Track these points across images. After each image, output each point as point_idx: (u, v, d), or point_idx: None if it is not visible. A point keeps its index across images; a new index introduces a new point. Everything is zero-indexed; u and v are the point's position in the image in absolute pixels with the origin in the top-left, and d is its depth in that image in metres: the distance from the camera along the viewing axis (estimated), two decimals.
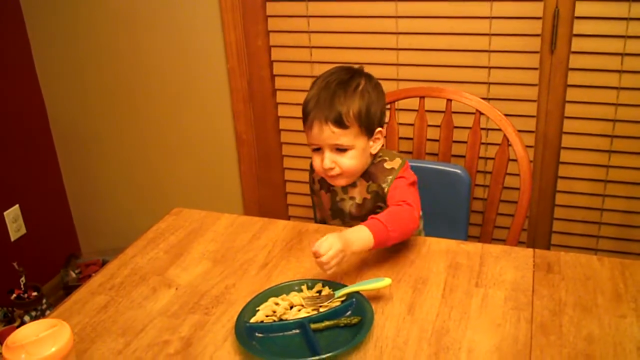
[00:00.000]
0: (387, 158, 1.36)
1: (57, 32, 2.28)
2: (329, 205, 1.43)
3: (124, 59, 2.24)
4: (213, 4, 2.04)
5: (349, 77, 1.31)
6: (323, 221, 1.49)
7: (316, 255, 1.10)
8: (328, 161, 1.30)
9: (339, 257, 1.11)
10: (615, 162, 1.82)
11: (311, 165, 1.43)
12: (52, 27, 2.28)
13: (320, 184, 1.45)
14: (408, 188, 1.32)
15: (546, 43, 1.79)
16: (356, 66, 1.37)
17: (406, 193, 1.29)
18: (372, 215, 1.20)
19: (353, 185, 1.37)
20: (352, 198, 1.38)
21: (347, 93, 1.28)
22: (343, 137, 1.28)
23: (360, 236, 1.15)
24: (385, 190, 1.33)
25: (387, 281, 1.10)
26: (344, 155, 1.29)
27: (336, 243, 1.10)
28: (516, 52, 1.80)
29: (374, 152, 1.35)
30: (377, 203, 1.36)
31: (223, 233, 1.37)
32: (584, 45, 1.73)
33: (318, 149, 1.32)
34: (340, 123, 1.26)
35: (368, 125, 1.30)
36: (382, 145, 1.39)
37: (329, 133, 1.27)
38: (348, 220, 1.41)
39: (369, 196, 1.36)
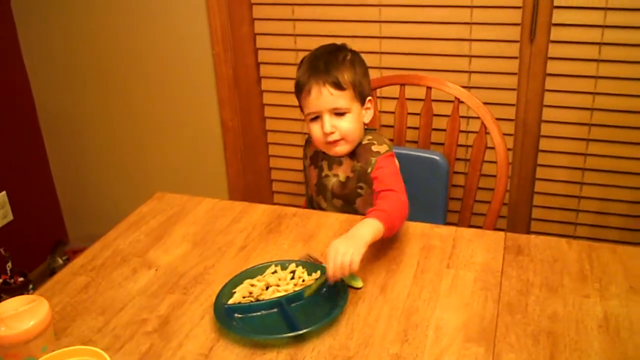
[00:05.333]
0: (375, 142, 1.40)
1: (43, 17, 2.28)
2: (315, 181, 1.48)
3: (110, 45, 2.25)
4: None
5: (335, 49, 1.39)
6: (311, 198, 1.52)
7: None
8: (328, 125, 1.34)
9: (346, 257, 1.06)
10: (593, 151, 1.85)
11: (306, 141, 1.49)
12: (38, 12, 2.28)
13: (310, 160, 1.49)
14: (391, 176, 1.34)
15: (526, 32, 1.81)
16: (339, 43, 1.43)
17: (392, 181, 1.32)
18: (370, 209, 1.19)
19: (339, 163, 1.42)
20: (335, 175, 1.43)
21: (338, 62, 1.35)
22: (341, 99, 1.33)
23: (369, 225, 1.13)
24: (368, 170, 1.36)
25: (359, 283, 1.12)
26: (342, 118, 1.35)
27: (337, 246, 1.08)
28: (496, 41, 1.83)
29: (366, 121, 1.41)
30: (359, 183, 1.40)
31: (204, 217, 1.40)
32: (563, 35, 1.76)
33: (316, 118, 1.36)
34: (338, 85, 1.32)
35: (360, 91, 1.36)
36: (377, 130, 1.44)
37: (327, 95, 1.33)
38: (330, 197, 1.44)
39: (352, 175, 1.40)
